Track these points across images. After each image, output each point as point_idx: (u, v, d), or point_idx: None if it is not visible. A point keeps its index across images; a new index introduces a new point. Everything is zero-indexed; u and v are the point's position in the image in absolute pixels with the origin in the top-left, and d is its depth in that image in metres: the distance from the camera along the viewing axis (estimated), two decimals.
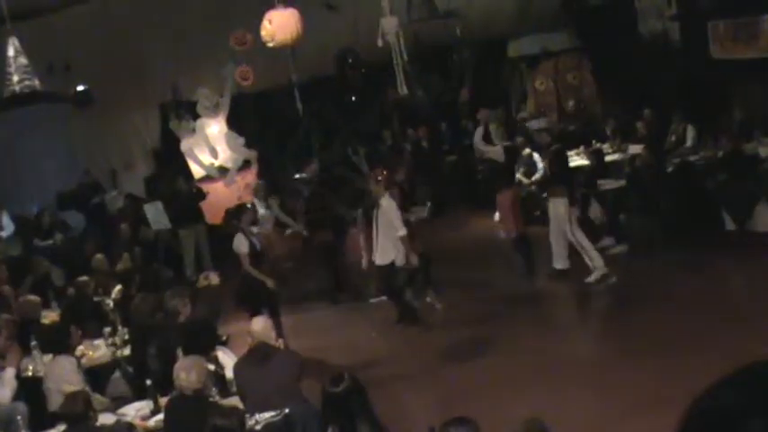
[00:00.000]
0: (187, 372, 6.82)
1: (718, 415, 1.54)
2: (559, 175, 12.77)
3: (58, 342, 8.94)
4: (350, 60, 18.67)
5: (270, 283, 11.08)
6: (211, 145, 16.98)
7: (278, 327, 11.36)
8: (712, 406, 1.57)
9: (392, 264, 11.56)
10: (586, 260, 12.42)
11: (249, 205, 13.18)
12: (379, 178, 11.84)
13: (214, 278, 10.60)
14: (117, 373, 9.68)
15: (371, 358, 10.86)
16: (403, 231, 11.43)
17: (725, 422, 1.52)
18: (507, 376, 9.38)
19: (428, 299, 12.35)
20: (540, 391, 8.64)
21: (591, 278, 12.29)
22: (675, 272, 11.92)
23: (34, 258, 14.77)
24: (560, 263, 12.81)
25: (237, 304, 11.21)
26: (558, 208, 12.50)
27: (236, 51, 16.31)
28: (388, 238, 11.50)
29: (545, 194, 13.44)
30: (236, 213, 11.57)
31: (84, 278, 12.22)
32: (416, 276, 12.24)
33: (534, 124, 17.83)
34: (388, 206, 11.53)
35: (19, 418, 7.82)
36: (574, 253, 12.63)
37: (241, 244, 11.09)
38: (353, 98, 20.83)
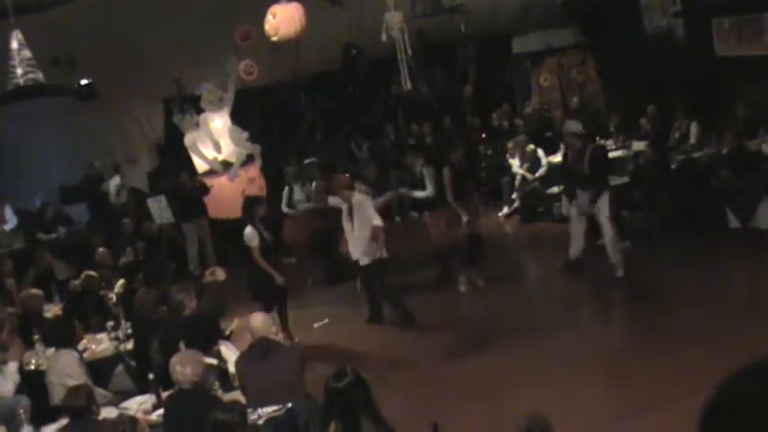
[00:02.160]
0: (182, 365, 6.82)
1: (736, 403, 1.64)
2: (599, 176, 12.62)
3: (60, 336, 8.94)
4: (354, 51, 18.68)
5: (279, 279, 11.18)
6: (215, 139, 16.98)
7: (284, 320, 11.49)
8: (730, 395, 1.66)
9: (378, 261, 11.56)
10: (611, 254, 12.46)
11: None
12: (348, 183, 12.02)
13: (220, 273, 10.58)
14: (120, 368, 9.69)
15: (375, 353, 10.86)
16: (378, 221, 11.45)
17: (741, 409, 1.61)
18: (511, 372, 9.38)
19: (460, 288, 12.46)
20: (544, 387, 8.63)
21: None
22: (678, 269, 11.91)
23: (37, 252, 14.80)
24: (575, 252, 12.76)
25: (253, 298, 11.27)
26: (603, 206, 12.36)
27: (240, 46, 16.31)
28: (367, 234, 11.49)
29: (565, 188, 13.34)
30: (251, 205, 11.51)
31: (91, 273, 12.21)
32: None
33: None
34: (363, 201, 11.63)
35: (21, 411, 7.82)
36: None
37: (252, 237, 11.13)
38: (356, 90, 20.82)
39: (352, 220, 11.57)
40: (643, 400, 7.91)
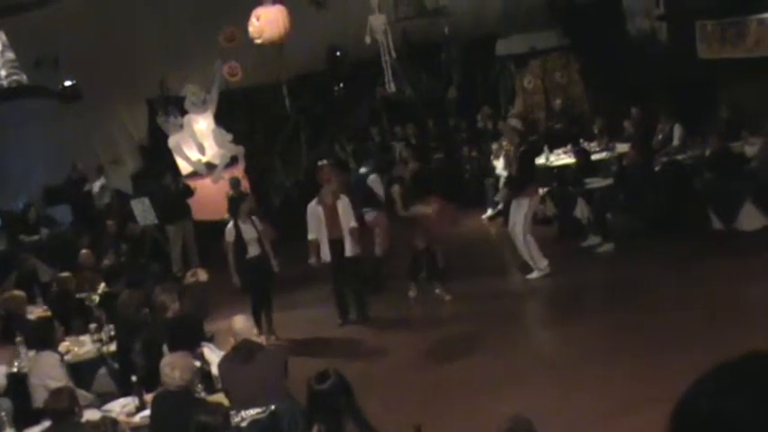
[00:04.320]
0: (171, 367, 6.81)
1: (697, 413, 1.66)
2: (524, 177, 12.68)
3: (40, 338, 8.91)
4: (338, 54, 18.71)
5: (235, 279, 11.55)
6: (199, 141, 16.96)
7: (269, 319, 11.56)
8: (692, 405, 1.68)
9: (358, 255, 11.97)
10: (528, 260, 12.66)
11: None
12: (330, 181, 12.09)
13: (202, 274, 10.58)
14: (102, 370, 9.65)
15: (358, 355, 10.86)
16: (355, 223, 11.89)
17: (703, 420, 1.62)
18: (493, 374, 9.38)
19: (437, 291, 12.43)
20: (526, 389, 8.65)
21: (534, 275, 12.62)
22: (661, 271, 11.93)
23: (20, 253, 14.73)
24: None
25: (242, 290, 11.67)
26: (522, 208, 12.51)
27: (224, 47, 16.29)
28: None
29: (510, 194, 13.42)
30: (236, 202, 11.97)
31: (66, 274, 12.17)
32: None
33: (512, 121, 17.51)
34: (346, 203, 11.86)
35: (3, 414, 7.80)
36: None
37: (229, 233, 11.55)
38: (341, 86, 20.81)
39: (334, 217, 11.72)
40: (625, 402, 7.93)
